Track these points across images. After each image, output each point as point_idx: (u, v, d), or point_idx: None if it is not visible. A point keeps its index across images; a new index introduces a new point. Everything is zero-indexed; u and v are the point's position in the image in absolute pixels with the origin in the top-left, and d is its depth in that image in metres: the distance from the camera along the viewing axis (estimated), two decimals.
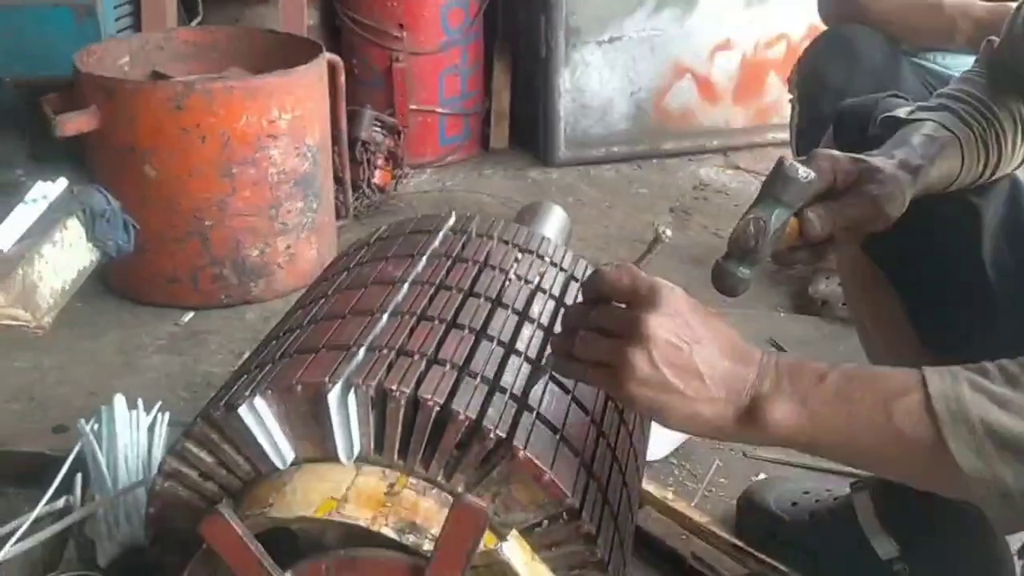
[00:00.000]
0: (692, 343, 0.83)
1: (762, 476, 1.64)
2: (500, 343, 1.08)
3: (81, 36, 2.51)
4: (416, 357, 1.01)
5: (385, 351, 1.02)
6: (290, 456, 1.00)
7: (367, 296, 1.16)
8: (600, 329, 0.87)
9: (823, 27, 2.15)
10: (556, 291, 1.24)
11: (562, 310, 1.09)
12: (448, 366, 1.01)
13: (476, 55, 3.19)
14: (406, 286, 1.17)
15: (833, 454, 0.86)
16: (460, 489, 0.95)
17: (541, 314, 1.17)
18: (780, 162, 1.00)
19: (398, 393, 0.95)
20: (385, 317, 1.09)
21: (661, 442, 1.64)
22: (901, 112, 1.16)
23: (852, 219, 1.03)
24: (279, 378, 1.00)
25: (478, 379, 1.00)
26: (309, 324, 1.14)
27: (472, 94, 3.20)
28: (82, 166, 2.24)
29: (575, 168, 3.15)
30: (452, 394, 0.97)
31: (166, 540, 1.08)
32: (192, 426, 1.02)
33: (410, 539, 0.92)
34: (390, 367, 0.99)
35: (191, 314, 2.23)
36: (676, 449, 1.70)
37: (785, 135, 3.14)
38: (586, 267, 1.34)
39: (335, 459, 0.98)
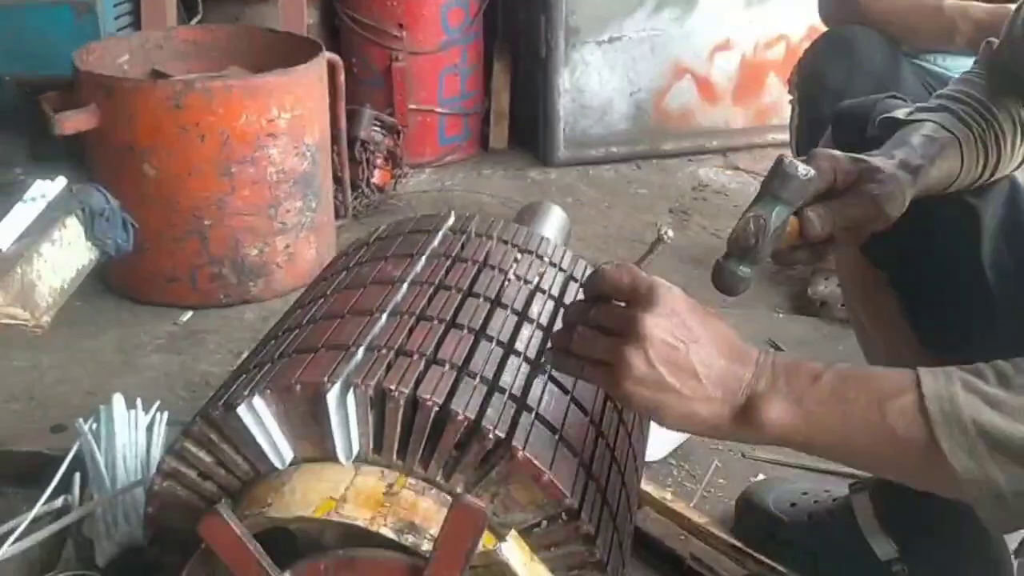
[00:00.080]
0: (689, 342, 0.84)
1: (761, 477, 1.63)
2: (499, 343, 1.08)
3: (80, 34, 2.51)
4: (415, 357, 1.01)
5: (384, 351, 1.02)
6: (289, 456, 1.00)
7: (366, 296, 1.16)
8: (599, 327, 0.87)
9: (823, 28, 2.15)
10: (555, 291, 1.24)
11: (562, 309, 1.09)
12: (447, 366, 1.01)
13: (476, 55, 3.19)
14: (405, 286, 1.17)
15: (828, 453, 0.87)
16: (459, 489, 0.95)
17: (540, 314, 1.17)
18: (779, 160, 1.00)
19: (397, 393, 0.95)
20: (384, 317, 1.09)
21: (660, 442, 1.64)
22: (900, 113, 1.16)
23: (852, 219, 1.03)
24: (278, 378, 1.00)
25: (477, 379, 1.00)
26: (308, 324, 1.14)
27: (472, 94, 3.20)
28: (81, 165, 2.23)
29: (574, 168, 3.15)
30: (451, 394, 0.97)
31: (165, 540, 1.08)
32: (191, 425, 1.02)
33: (409, 539, 0.92)
34: (389, 367, 0.99)
35: (190, 313, 2.22)
36: (675, 450, 1.69)
37: (784, 136, 3.14)
38: (585, 267, 1.34)
39: (334, 459, 0.98)
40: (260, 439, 0.98)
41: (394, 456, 0.97)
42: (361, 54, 3.06)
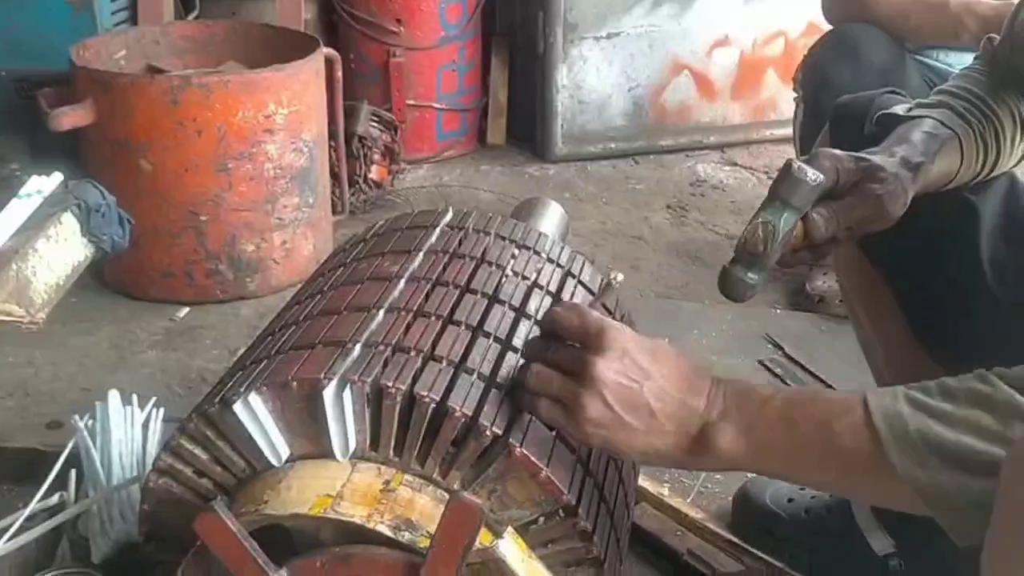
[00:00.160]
0: (642, 380, 0.87)
1: None
2: (497, 339, 1.07)
3: (77, 30, 2.50)
4: (412, 353, 1.01)
5: (381, 347, 1.02)
6: (285, 453, 0.99)
7: (363, 292, 1.16)
8: (556, 366, 0.91)
9: (822, 24, 2.15)
10: (553, 287, 1.24)
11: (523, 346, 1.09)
12: (444, 362, 1.01)
13: (474, 51, 3.18)
14: (402, 282, 1.16)
15: (782, 475, 0.90)
16: (456, 486, 0.95)
17: (538, 310, 1.16)
18: (788, 165, 0.99)
19: (394, 390, 0.95)
20: (381, 313, 1.09)
21: None
22: (899, 109, 1.16)
23: (856, 219, 1.03)
24: (275, 374, 0.99)
25: (475, 376, 1.00)
26: (305, 320, 1.13)
27: (470, 89, 3.20)
28: (77, 160, 2.23)
29: (572, 164, 3.15)
30: (448, 391, 0.96)
31: (160, 537, 1.08)
32: (187, 422, 1.01)
33: (406, 536, 0.91)
34: (386, 363, 0.99)
35: (186, 309, 2.22)
36: None
37: (782, 132, 3.15)
38: (583, 263, 1.34)
39: (330, 456, 0.98)
40: (256, 436, 0.98)
41: (391, 453, 0.97)
42: (359, 50, 3.05)
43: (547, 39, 3.06)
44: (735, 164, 3.17)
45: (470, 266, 1.21)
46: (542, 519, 0.97)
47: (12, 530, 1.27)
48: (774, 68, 3.23)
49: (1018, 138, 1.14)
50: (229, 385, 1.03)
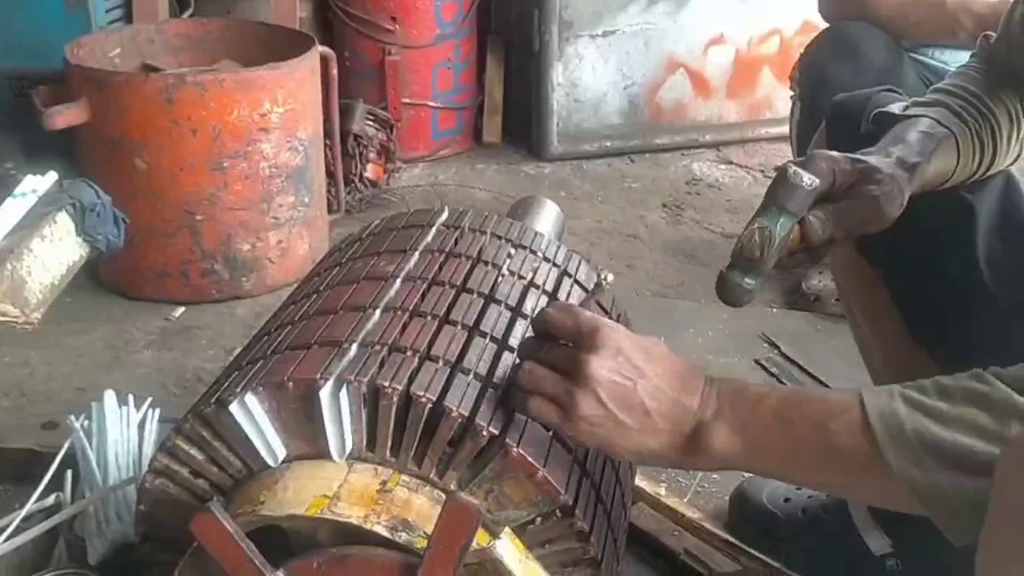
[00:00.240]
0: (636, 379, 0.87)
1: None
2: (493, 339, 1.07)
3: (71, 28, 2.49)
4: (409, 353, 1.01)
5: (377, 347, 1.01)
6: (281, 453, 0.99)
7: (359, 292, 1.15)
8: (550, 365, 0.90)
9: (816, 22, 2.15)
10: (549, 287, 1.23)
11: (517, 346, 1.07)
12: (441, 362, 1.01)
13: (469, 49, 3.18)
14: (398, 282, 1.16)
15: (777, 475, 0.90)
16: (453, 487, 0.95)
17: (534, 310, 1.16)
18: (784, 170, 0.99)
19: (390, 390, 0.95)
20: (377, 313, 1.09)
21: None
22: (895, 108, 1.16)
23: (853, 221, 1.03)
24: (271, 375, 0.99)
25: (471, 375, 1.00)
26: (301, 320, 1.13)
27: (465, 88, 3.19)
28: (72, 159, 2.22)
29: (568, 162, 3.15)
30: (445, 391, 0.96)
31: (156, 538, 1.07)
32: (183, 423, 1.01)
33: (402, 537, 0.91)
34: (382, 363, 0.99)
35: (182, 309, 2.21)
36: None
37: (778, 130, 3.16)
38: (580, 262, 1.34)
39: (327, 456, 0.97)
40: (253, 436, 0.98)
41: (387, 453, 0.97)
42: (354, 48, 3.05)
43: (543, 37, 3.06)
44: (731, 162, 3.17)
45: (466, 265, 1.21)
46: (539, 519, 0.97)
47: (8, 531, 1.26)
48: (769, 66, 3.23)
49: (1014, 136, 1.14)
50: (225, 385, 1.03)
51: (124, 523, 1.29)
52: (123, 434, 1.43)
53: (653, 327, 2.08)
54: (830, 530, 1.39)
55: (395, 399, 0.95)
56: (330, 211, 2.53)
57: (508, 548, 0.95)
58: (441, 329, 1.07)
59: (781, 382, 1.94)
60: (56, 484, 1.38)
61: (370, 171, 2.73)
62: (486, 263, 1.22)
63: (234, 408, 0.97)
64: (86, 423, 1.45)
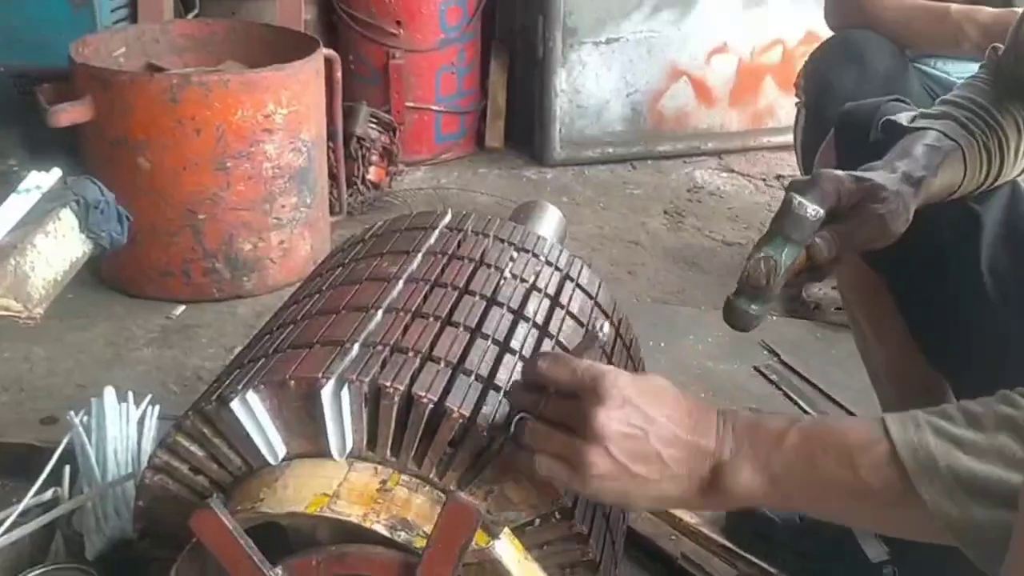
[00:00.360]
0: (647, 428, 0.83)
1: None
2: (495, 341, 1.08)
3: (77, 26, 2.50)
4: (410, 354, 1.01)
5: (379, 347, 1.02)
6: (282, 451, 0.99)
7: (362, 292, 1.16)
8: (550, 420, 0.86)
9: (819, 33, 2.15)
10: (551, 290, 1.24)
11: (505, 397, 0.99)
12: (442, 363, 1.01)
13: (473, 54, 3.19)
14: (401, 283, 1.16)
15: (802, 510, 0.87)
16: (453, 487, 0.95)
17: (536, 313, 1.16)
18: (788, 201, 1.00)
19: (392, 390, 0.95)
20: (380, 313, 1.09)
21: None
22: (903, 118, 1.16)
23: (859, 240, 1.03)
24: (272, 373, 0.99)
25: (472, 377, 1.00)
26: (303, 319, 1.13)
27: (468, 92, 3.20)
28: (75, 157, 2.22)
29: (570, 168, 3.15)
30: (446, 391, 0.96)
31: (155, 534, 1.07)
32: (183, 419, 1.01)
33: (402, 536, 0.91)
34: (384, 364, 0.99)
35: (183, 307, 2.22)
36: None
37: (780, 139, 3.16)
38: (581, 266, 1.34)
39: (327, 455, 0.98)
40: (253, 434, 0.98)
41: (388, 453, 0.97)
42: (358, 51, 3.06)
43: (546, 43, 3.07)
44: (732, 171, 3.17)
45: (469, 268, 1.21)
46: (538, 521, 0.97)
47: (6, 525, 1.26)
48: (772, 76, 3.24)
49: (1022, 147, 1.14)
50: (226, 383, 1.03)
51: (122, 519, 1.29)
52: (122, 431, 1.43)
53: (653, 333, 2.09)
54: (827, 536, 1.39)
55: (396, 399, 0.95)
56: (332, 213, 2.53)
57: (507, 549, 0.95)
58: (443, 330, 1.07)
59: (780, 389, 1.94)
60: (54, 479, 1.38)
61: (372, 173, 2.74)
62: (489, 266, 1.22)
63: (235, 405, 0.97)
64: (85, 419, 1.45)
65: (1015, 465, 0.73)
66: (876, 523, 0.86)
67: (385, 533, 0.91)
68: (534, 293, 1.21)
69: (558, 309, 1.20)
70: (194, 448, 1.02)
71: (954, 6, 1.83)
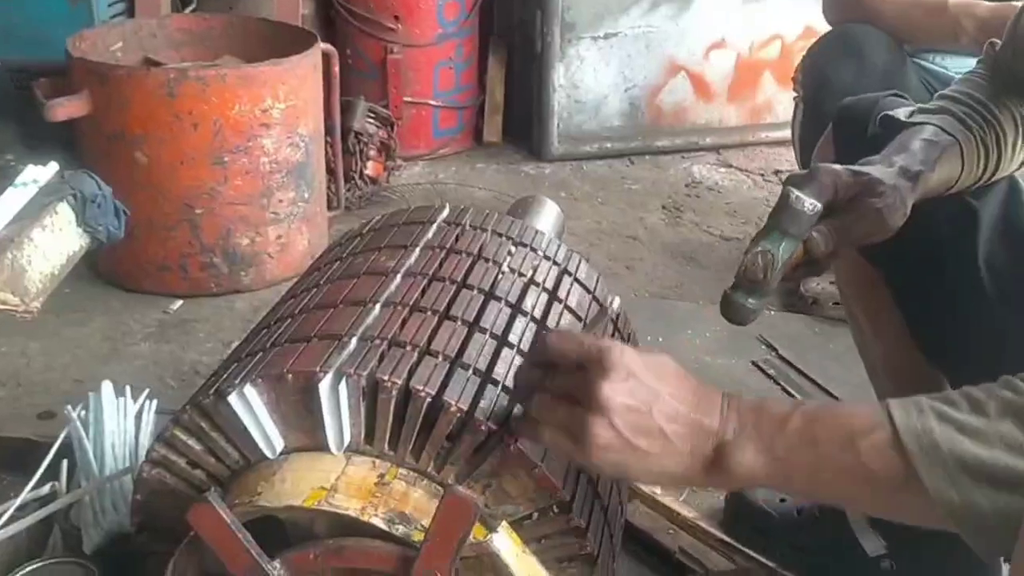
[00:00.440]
0: (651, 402, 0.83)
1: None
2: (493, 335, 1.08)
3: (74, 21, 2.49)
4: (408, 348, 1.01)
5: (377, 341, 1.02)
6: (280, 445, 0.99)
7: (359, 286, 1.16)
8: (557, 393, 0.86)
9: (817, 28, 2.15)
10: (549, 284, 1.24)
11: (513, 372, 1.00)
12: (440, 357, 1.01)
13: (471, 48, 3.18)
14: (399, 277, 1.16)
15: (804, 493, 0.87)
16: (451, 480, 0.95)
17: (534, 307, 1.17)
18: (786, 195, 1.00)
19: (390, 383, 0.95)
20: (377, 308, 1.09)
21: None
22: (901, 113, 1.16)
23: (857, 234, 1.03)
24: (270, 367, 0.99)
25: (470, 371, 1.00)
26: (301, 313, 1.13)
27: (466, 87, 3.20)
28: (73, 152, 2.22)
29: (568, 163, 3.15)
30: (444, 385, 0.97)
31: (152, 528, 1.07)
32: (181, 413, 1.01)
33: (399, 529, 0.92)
34: (382, 358, 0.99)
35: (180, 302, 2.21)
36: None
37: (778, 134, 3.16)
38: (580, 261, 1.34)
39: (325, 449, 0.98)
40: (251, 428, 0.98)
41: (386, 447, 0.97)
42: (356, 45, 3.05)
43: (544, 38, 3.06)
44: (730, 166, 3.17)
45: (467, 262, 1.21)
46: (536, 515, 0.97)
47: (3, 519, 1.26)
48: (771, 71, 3.23)
49: (1019, 143, 1.14)
50: (224, 377, 1.03)
51: (120, 513, 1.28)
52: (120, 425, 1.43)
53: (651, 328, 2.09)
54: (825, 530, 1.39)
55: (394, 393, 0.95)
56: (330, 207, 2.53)
57: (505, 542, 0.95)
58: (441, 324, 1.07)
59: (778, 384, 1.94)
60: (52, 474, 1.37)
61: (370, 168, 2.74)
62: (487, 260, 1.22)
63: (233, 399, 0.97)
64: (83, 413, 1.45)
65: (1019, 451, 0.73)
66: (877, 508, 0.86)
67: (383, 527, 0.92)
68: (532, 287, 1.21)
69: (556, 303, 1.20)
70: (192, 442, 1.01)
71: (952, 0, 1.83)
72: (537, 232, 1.36)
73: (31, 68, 2.44)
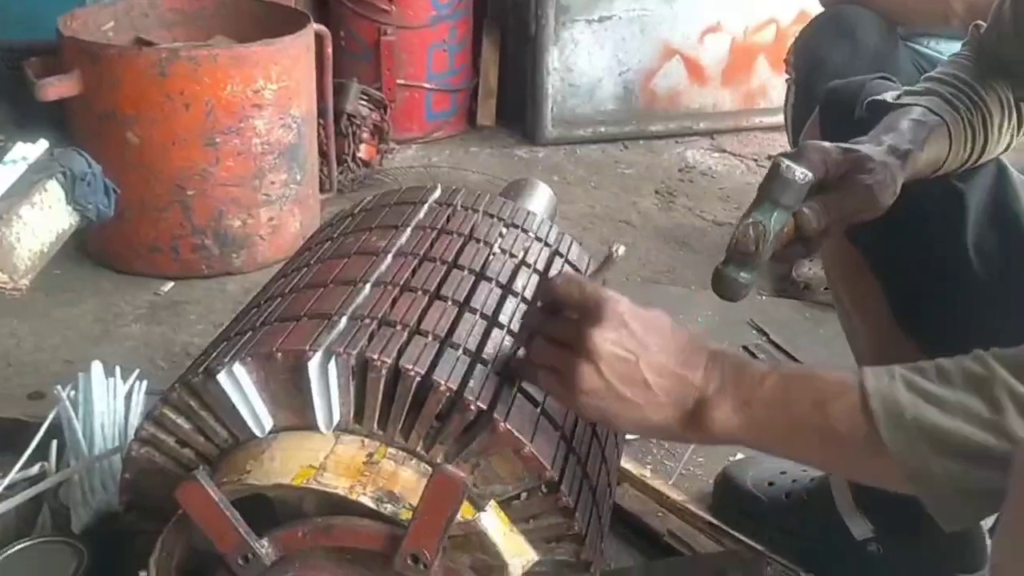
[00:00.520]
0: (639, 352, 0.86)
1: (740, 456, 1.64)
2: (483, 315, 1.07)
3: (65, 0, 2.47)
4: (398, 327, 1.01)
5: (367, 320, 1.01)
6: (269, 424, 0.99)
7: (350, 266, 1.15)
8: (553, 337, 0.90)
9: (812, 12, 2.14)
10: (540, 265, 1.24)
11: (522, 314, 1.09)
12: (430, 337, 1.01)
13: (465, 31, 3.17)
14: (390, 257, 1.16)
15: (776, 452, 0.89)
16: (440, 460, 0.95)
17: (525, 288, 1.16)
18: (776, 164, 0.99)
19: (379, 362, 0.95)
20: (368, 287, 1.09)
21: None
22: (888, 96, 1.16)
23: (847, 211, 1.03)
24: (259, 345, 0.99)
25: (460, 350, 1.00)
26: (291, 293, 1.13)
27: (460, 70, 3.19)
28: (64, 132, 2.21)
29: (561, 147, 3.14)
30: (433, 365, 0.96)
31: (141, 506, 1.07)
32: (170, 392, 1.01)
33: (388, 508, 0.92)
34: (372, 336, 0.99)
35: (171, 284, 2.21)
36: None
37: (772, 119, 3.16)
38: (571, 243, 1.34)
39: (314, 428, 0.97)
40: (240, 406, 0.98)
41: (375, 425, 0.97)
42: (349, 27, 3.03)
43: (539, 21, 3.05)
44: (724, 151, 3.17)
45: (458, 242, 1.21)
46: (525, 494, 0.97)
47: None
48: (765, 55, 3.23)
49: (1005, 125, 1.14)
50: (213, 355, 1.03)
51: (109, 492, 1.28)
52: (109, 405, 1.43)
53: None
54: (813, 514, 1.40)
55: (383, 372, 0.95)
56: (322, 190, 2.52)
57: (493, 521, 0.95)
58: (431, 304, 1.07)
59: None
60: (41, 453, 1.37)
61: (363, 151, 2.73)
62: (478, 241, 1.22)
63: (222, 378, 0.97)
64: (72, 393, 1.44)
65: (978, 423, 0.75)
66: (845, 469, 0.90)
67: (371, 505, 0.92)
68: (523, 268, 1.20)
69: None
70: (181, 420, 1.01)
71: None
72: (529, 213, 1.35)
73: (22, 47, 2.42)
